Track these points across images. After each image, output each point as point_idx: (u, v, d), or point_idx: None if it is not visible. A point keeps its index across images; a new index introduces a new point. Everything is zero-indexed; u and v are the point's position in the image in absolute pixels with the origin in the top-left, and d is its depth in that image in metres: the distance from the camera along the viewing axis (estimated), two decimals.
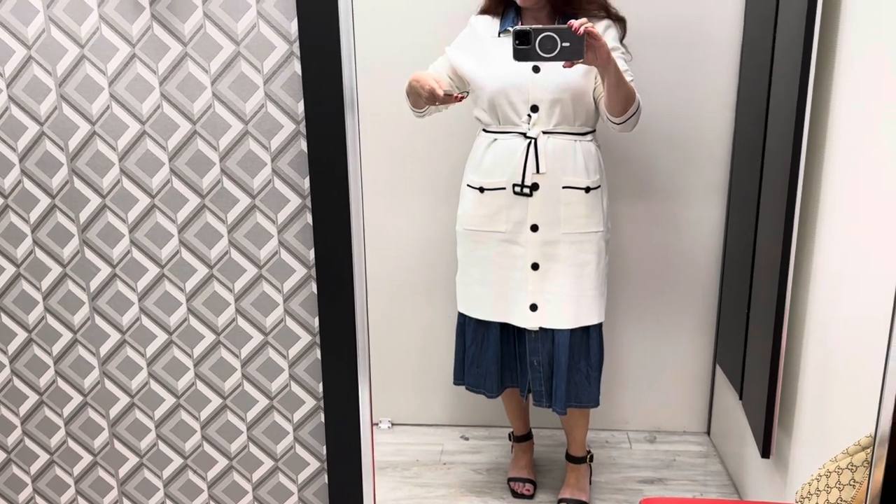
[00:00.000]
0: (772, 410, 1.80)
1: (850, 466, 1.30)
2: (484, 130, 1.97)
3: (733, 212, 2.27)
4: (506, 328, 2.05)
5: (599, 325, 2.01)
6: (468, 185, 2.00)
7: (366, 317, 1.27)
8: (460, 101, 1.76)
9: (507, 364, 2.09)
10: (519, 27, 1.54)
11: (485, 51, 1.91)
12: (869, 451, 1.27)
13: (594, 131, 1.96)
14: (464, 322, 2.10)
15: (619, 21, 1.90)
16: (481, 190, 1.95)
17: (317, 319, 1.28)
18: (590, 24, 1.55)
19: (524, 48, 1.53)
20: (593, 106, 1.90)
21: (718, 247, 2.37)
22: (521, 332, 2.03)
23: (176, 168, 1.25)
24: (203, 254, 1.28)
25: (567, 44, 1.53)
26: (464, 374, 2.12)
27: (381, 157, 2.36)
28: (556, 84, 1.85)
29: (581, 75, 1.85)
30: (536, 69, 1.86)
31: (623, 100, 1.75)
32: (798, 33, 1.57)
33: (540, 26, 1.54)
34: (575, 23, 1.54)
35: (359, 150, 1.22)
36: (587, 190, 1.91)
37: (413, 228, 2.42)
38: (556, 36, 1.53)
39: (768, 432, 1.82)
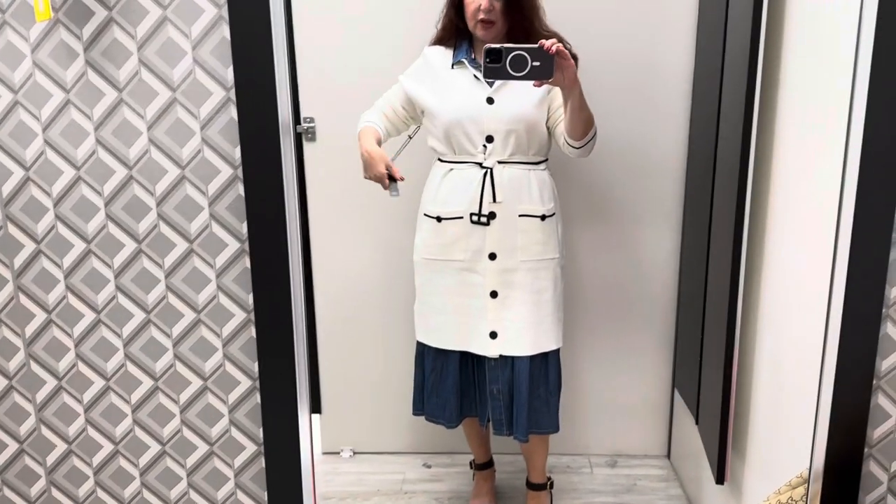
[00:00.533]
0: (725, 437, 1.81)
1: (789, 501, 1.32)
2: (439, 160, 1.98)
3: (687, 237, 2.30)
4: (465, 357, 2.05)
5: (557, 351, 2.02)
6: (425, 215, 2.00)
7: (305, 360, 1.26)
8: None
9: (466, 393, 2.09)
10: (490, 45, 1.55)
11: (439, 82, 1.92)
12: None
13: (547, 160, 1.98)
14: (423, 351, 2.09)
15: (573, 57, 1.92)
16: (438, 219, 1.96)
17: (256, 364, 1.27)
18: (560, 45, 1.57)
19: (495, 66, 1.54)
20: (546, 136, 1.91)
21: (674, 271, 2.40)
22: (479, 360, 2.03)
23: (112, 213, 1.24)
24: (140, 299, 1.27)
25: (537, 63, 1.54)
26: (423, 403, 2.12)
27: (337, 186, 2.35)
28: (510, 115, 1.86)
29: (534, 106, 1.87)
30: (490, 100, 1.87)
31: (584, 123, 1.77)
32: (743, 63, 1.60)
33: (511, 45, 1.55)
34: (546, 42, 1.55)
35: (295, 194, 1.22)
36: (543, 218, 1.93)
37: (372, 257, 2.42)
38: (527, 55, 1.53)
39: (722, 458, 1.84)
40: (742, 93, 1.61)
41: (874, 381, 1.24)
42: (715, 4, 1.93)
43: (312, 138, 2.33)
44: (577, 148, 1.83)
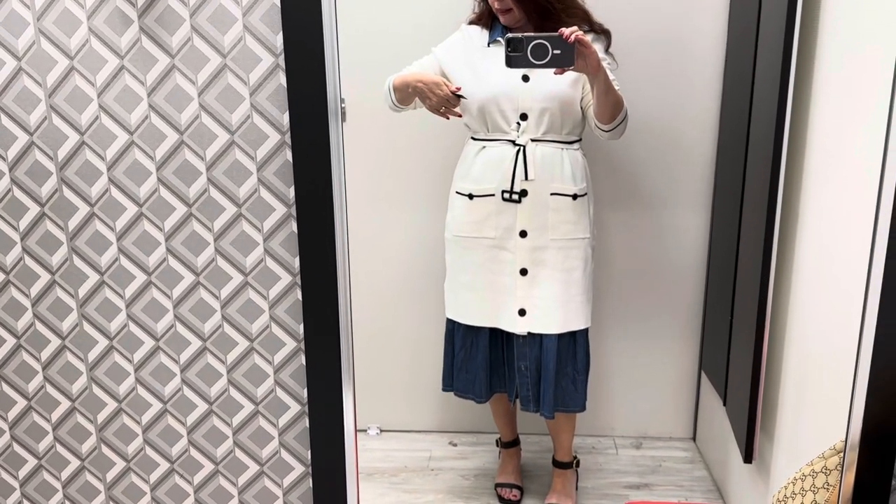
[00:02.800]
0: (754, 416, 1.82)
1: (823, 470, 1.33)
2: (472, 138, 2.00)
3: (717, 219, 2.30)
4: (494, 333, 2.07)
5: (586, 331, 2.04)
6: (457, 192, 2.03)
7: (350, 324, 1.29)
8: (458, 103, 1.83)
9: (496, 369, 2.11)
10: (511, 35, 1.58)
11: (475, 60, 1.94)
12: (842, 454, 1.30)
13: (580, 140, 1.99)
14: (452, 328, 2.12)
15: (604, 33, 1.94)
16: (470, 196, 1.98)
17: (302, 326, 1.30)
18: (580, 32, 1.59)
19: (517, 55, 1.57)
20: (580, 115, 1.93)
21: (703, 253, 2.40)
22: (509, 337, 2.06)
23: (163, 177, 1.27)
24: (190, 261, 1.30)
25: (558, 51, 1.57)
26: (452, 379, 2.14)
27: (369, 166, 2.38)
28: (544, 93, 1.88)
29: (569, 84, 1.88)
30: (526, 78, 1.89)
31: (612, 107, 1.79)
32: (778, 44, 1.60)
33: (532, 34, 1.58)
34: (566, 30, 1.57)
35: (342, 160, 1.25)
36: (574, 197, 1.94)
37: (401, 236, 2.45)
38: (547, 43, 1.56)
39: (750, 437, 1.85)
40: (776, 75, 1.61)
41: None
42: None
43: (343, 118, 2.36)
44: (607, 131, 1.85)
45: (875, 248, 1.21)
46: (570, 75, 1.87)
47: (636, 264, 2.42)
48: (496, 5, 1.86)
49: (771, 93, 1.66)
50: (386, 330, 2.52)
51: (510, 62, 1.58)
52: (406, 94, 1.89)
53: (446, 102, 1.83)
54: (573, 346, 2.03)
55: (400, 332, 2.53)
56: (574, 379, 2.03)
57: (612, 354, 2.51)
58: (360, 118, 2.32)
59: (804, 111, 1.63)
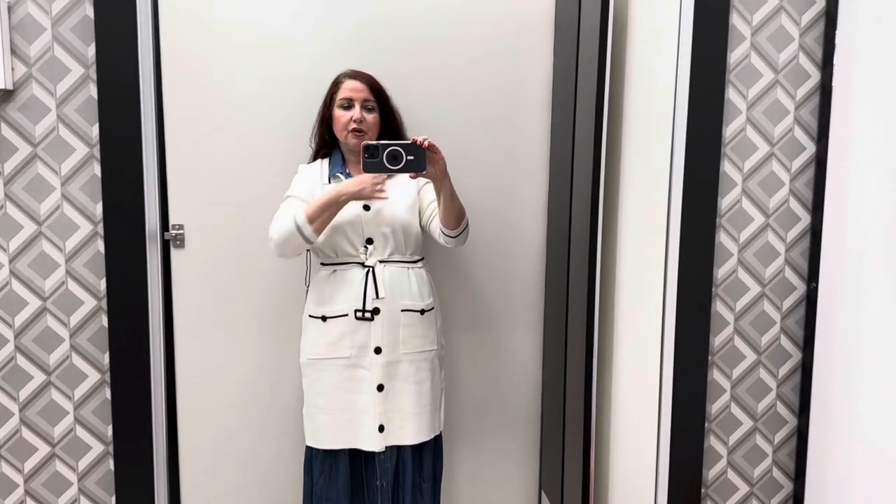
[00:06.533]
0: None
1: None
2: (322, 264, 2.05)
3: (547, 339, 2.44)
4: (353, 454, 2.07)
5: (437, 439, 2.09)
6: (310, 316, 2.05)
7: (166, 492, 1.26)
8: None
9: (356, 492, 2.09)
10: (367, 142, 1.67)
11: (318, 193, 2.01)
12: None
13: (423, 259, 2.09)
14: (311, 456, 2.09)
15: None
16: (324, 318, 2.01)
17: (113, 498, 1.25)
18: (431, 140, 1.71)
19: (373, 161, 1.66)
20: (420, 236, 2.03)
21: (538, 374, 2.52)
22: (368, 456, 2.06)
23: None
24: None
25: (411, 157, 1.68)
26: None
27: (207, 293, 2.34)
28: (385, 219, 1.98)
29: (406, 210, 1.99)
30: (367, 208, 1.98)
31: (456, 212, 1.91)
32: (587, 176, 1.78)
33: (387, 141, 1.69)
34: (418, 138, 1.69)
35: (161, 325, 1.25)
36: (422, 312, 2.02)
37: (240, 366, 2.40)
38: (401, 150, 1.68)
39: None
40: (588, 196, 1.80)
41: (703, 489, 1.38)
42: (563, 134, 2.14)
43: (181, 245, 2.33)
44: (453, 237, 1.97)
45: (662, 400, 1.35)
46: (406, 201, 1.98)
47: (474, 387, 2.50)
48: (353, 126, 1.94)
49: (584, 217, 1.83)
50: (242, 461, 2.42)
51: (367, 167, 1.67)
52: (331, 215, 1.92)
53: (379, 192, 1.87)
54: (424, 456, 2.07)
55: (257, 463, 2.43)
56: (425, 488, 2.07)
57: (455, 478, 2.54)
58: (198, 244, 2.29)
59: (613, 229, 1.81)
